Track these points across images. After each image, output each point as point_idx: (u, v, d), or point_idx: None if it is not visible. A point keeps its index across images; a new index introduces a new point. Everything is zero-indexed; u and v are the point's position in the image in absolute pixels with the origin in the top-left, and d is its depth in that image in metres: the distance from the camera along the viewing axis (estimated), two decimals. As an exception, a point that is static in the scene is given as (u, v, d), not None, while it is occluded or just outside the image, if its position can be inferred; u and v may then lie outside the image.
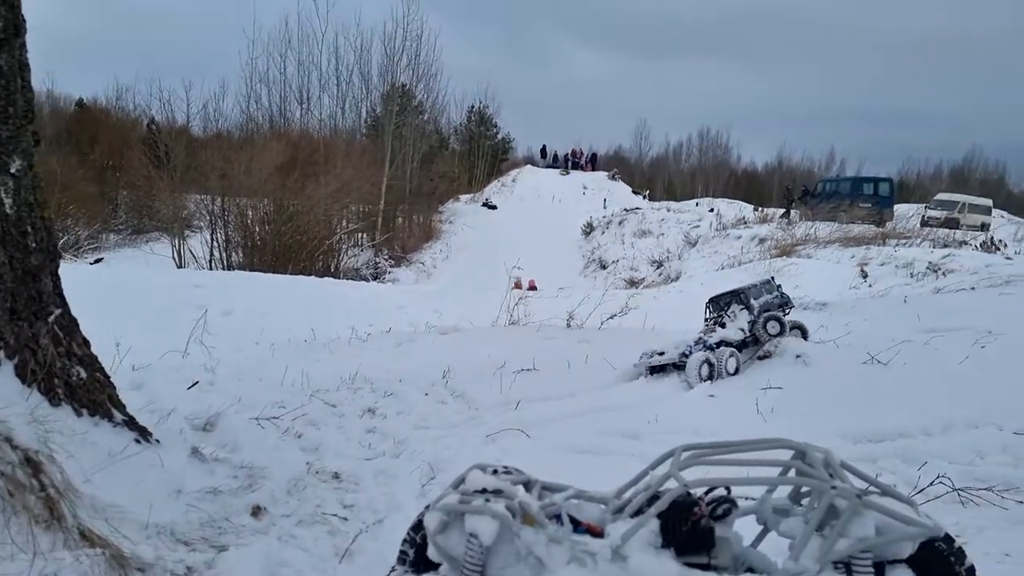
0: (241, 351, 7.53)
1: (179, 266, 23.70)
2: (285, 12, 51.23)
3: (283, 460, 3.75)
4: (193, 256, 24.06)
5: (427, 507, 1.97)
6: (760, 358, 6.62)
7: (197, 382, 5.00)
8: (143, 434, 3.25)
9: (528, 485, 2.00)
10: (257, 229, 22.48)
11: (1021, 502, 3.81)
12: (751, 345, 6.83)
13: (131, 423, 3.23)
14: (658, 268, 25.17)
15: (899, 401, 5.38)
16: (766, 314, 6.92)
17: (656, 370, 6.53)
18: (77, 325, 3.21)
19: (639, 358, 6.60)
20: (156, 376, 5.04)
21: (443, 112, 47.31)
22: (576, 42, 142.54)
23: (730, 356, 6.45)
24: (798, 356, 6.31)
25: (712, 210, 36.54)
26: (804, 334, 7.08)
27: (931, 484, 3.92)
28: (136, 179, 30.04)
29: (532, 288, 20.29)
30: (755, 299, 6.97)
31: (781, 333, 6.81)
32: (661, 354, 6.48)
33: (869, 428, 4.85)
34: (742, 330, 6.80)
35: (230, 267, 21.81)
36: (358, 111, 39.64)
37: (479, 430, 4.90)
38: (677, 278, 21.55)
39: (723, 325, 6.91)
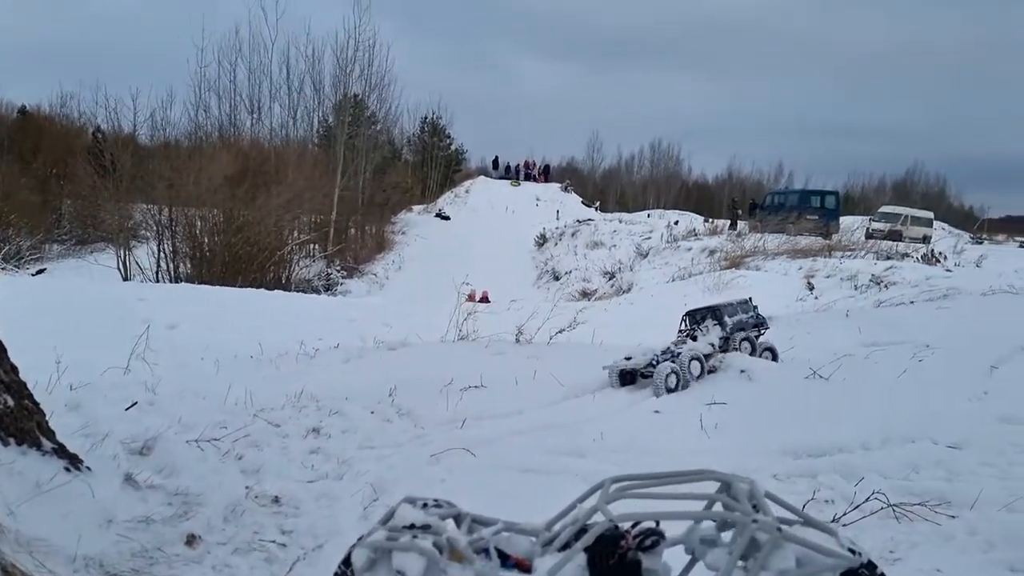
0: (185, 367, 7.41)
1: (124, 278, 23.22)
2: (235, 20, 50.45)
3: (221, 485, 3.68)
4: (139, 267, 23.58)
5: (359, 539, 1.95)
6: (708, 372, 6.71)
7: (136, 403, 4.90)
8: (73, 462, 3.17)
9: (458, 519, 1.99)
10: (206, 240, 22.11)
11: (953, 516, 3.89)
12: None
13: (61, 451, 3.15)
14: (610, 279, 25.32)
15: (840, 416, 5.48)
16: (739, 334, 7.05)
17: (625, 378, 6.61)
18: (5, 351, 3.12)
19: (611, 362, 6.67)
20: (94, 395, 4.92)
21: (396, 123, 47.29)
22: (530, 52, 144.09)
23: (693, 359, 6.52)
24: (742, 371, 6.40)
25: (676, 222, 36.98)
26: (774, 356, 7.18)
27: (867, 500, 3.99)
28: (81, 188, 29.39)
29: (485, 300, 20.31)
30: (729, 316, 7.14)
31: (752, 354, 6.94)
32: (629, 359, 6.58)
33: (810, 443, 4.92)
34: (712, 345, 6.92)
35: (177, 279, 21.40)
36: (310, 121, 39.38)
37: (424, 449, 4.86)
38: (629, 289, 21.72)
39: (695, 338, 7.04)
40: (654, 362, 6.47)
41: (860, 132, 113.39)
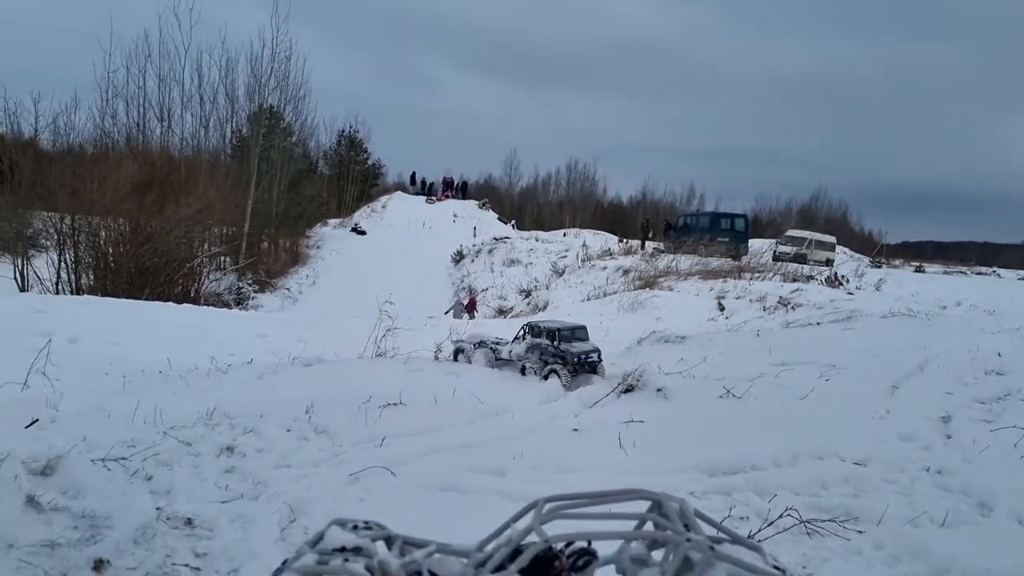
0: (89, 383, 7.11)
1: (21, 289, 22.12)
2: (143, 25, 48.29)
3: (130, 506, 3.52)
4: (38, 278, 22.48)
5: (284, 562, 1.89)
6: (626, 391, 6.78)
7: (36, 420, 4.66)
8: (-30, 483, 3.00)
9: (389, 541, 1.94)
10: (111, 250, 21.23)
11: (861, 531, 4.04)
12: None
13: (-44, 471, 2.98)
14: (526, 297, 25.39)
15: (752, 434, 5.62)
16: (538, 355, 8.15)
17: (457, 355, 8.86)
18: None
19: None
20: (-10, 413, 4.67)
21: (312, 135, 46.48)
22: (454, 67, 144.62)
23: (479, 346, 8.68)
24: (659, 390, 6.51)
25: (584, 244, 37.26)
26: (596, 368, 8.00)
27: (780, 516, 4.10)
28: (-25, 194, 27.87)
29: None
30: (533, 336, 8.34)
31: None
32: (461, 340, 9.03)
33: (724, 461, 5.03)
34: (510, 351, 8.43)
35: (79, 290, 20.42)
36: (223, 131, 38.25)
37: (342, 468, 4.77)
38: (545, 307, 21.80)
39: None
40: (475, 344, 8.78)
41: (768, 157, 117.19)
